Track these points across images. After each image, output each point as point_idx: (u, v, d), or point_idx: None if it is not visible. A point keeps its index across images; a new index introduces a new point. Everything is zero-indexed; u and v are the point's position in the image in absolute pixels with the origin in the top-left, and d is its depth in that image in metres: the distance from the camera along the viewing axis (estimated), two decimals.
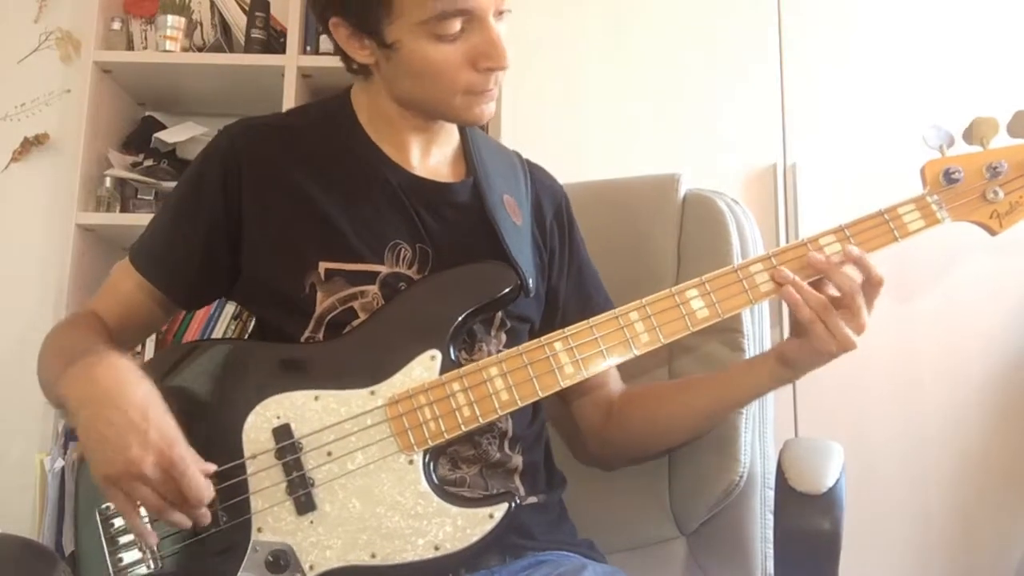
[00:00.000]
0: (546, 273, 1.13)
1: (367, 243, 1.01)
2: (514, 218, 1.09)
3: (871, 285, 0.98)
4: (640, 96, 1.83)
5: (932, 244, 1.72)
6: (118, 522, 0.92)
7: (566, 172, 1.35)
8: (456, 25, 0.93)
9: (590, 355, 0.97)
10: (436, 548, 0.90)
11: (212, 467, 0.88)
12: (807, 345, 0.99)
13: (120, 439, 0.83)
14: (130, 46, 2.28)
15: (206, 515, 0.87)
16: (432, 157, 1.09)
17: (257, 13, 2.19)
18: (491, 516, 0.91)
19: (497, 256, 1.03)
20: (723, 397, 1.10)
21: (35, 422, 1.95)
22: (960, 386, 1.70)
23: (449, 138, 1.11)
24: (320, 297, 1.00)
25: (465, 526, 0.90)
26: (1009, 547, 1.67)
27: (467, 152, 1.11)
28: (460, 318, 0.97)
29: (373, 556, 0.89)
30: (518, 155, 1.20)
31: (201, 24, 2.28)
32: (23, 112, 2.35)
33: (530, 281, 1.04)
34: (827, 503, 1.03)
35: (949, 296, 1.73)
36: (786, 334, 1.03)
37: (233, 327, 2.01)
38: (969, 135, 1.03)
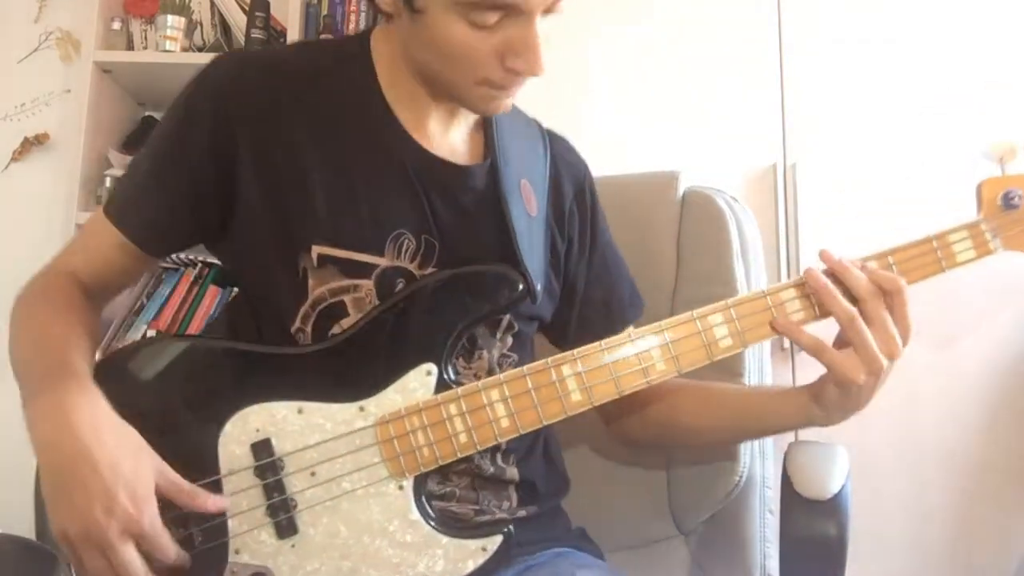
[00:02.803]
0: (561, 266, 1.05)
1: (368, 231, 0.92)
2: (529, 208, 0.99)
3: (888, 293, 0.87)
4: (640, 96, 1.83)
5: None
6: None
7: None
8: (493, 17, 0.83)
9: (600, 383, 0.88)
10: None
11: (212, 503, 0.81)
12: (832, 377, 0.89)
13: (85, 500, 0.76)
14: (130, 46, 2.28)
15: None
16: (452, 132, 0.99)
17: (257, 13, 2.19)
18: (484, 549, 0.86)
19: (507, 255, 0.94)
20: (748, 419, 1.02)
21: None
22: (959, 386, 1.70)
23: (468, 113, 1.00)
24: (312, 284, 0.91)
25: (457, 559, 0.86)
26: (1009, 547, 1.67)
27: (487, 129, 1.01)
28: (459, 328, 0.89)
29: None
30: (539, 125, 1.11)
31: (201, 24, 2.28)
32: (23, 112, 2.35)
33: (538, 286, 0.95)
34: (833, 508, 1.03)
35: (949, 296, 1.73)
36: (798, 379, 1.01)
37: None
38: None
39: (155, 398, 0.88)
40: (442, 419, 0.87)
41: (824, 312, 0.89)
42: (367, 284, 0.92)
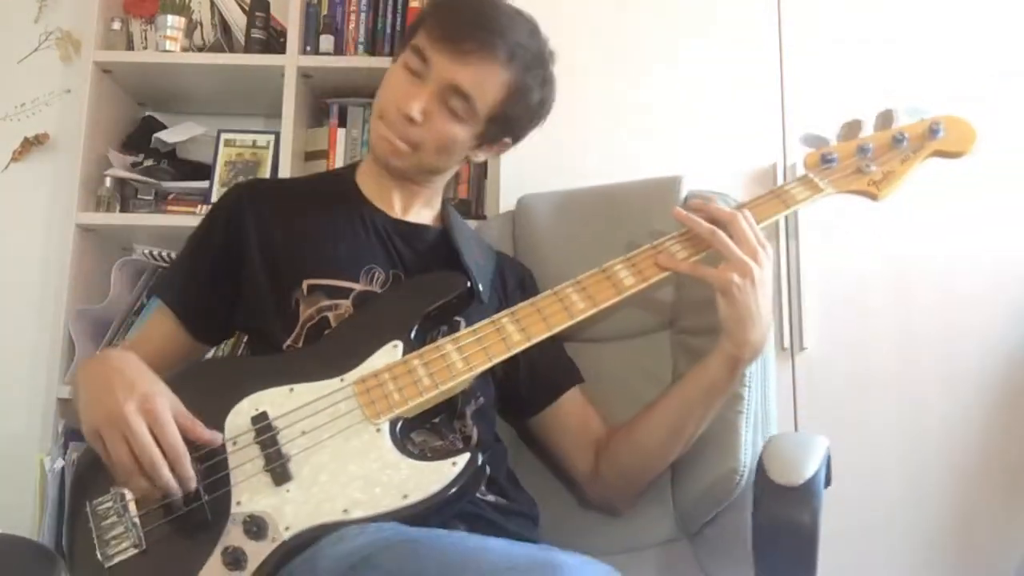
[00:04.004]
0: None
1: (345, 263, 1.17)
2: (478, 257, 1.25)
3: (741, 216, 1.10)
4: (640, 96, 1.83)
5: (933, 244, 1.73)
6: (106, 507, 0.96)
7: (565, 174, 1.35)
8: (415, 62, 1.14)
9: (533, 323, 1.08)
10: (404, 496, 0.95)
11: (209, 434, 0.97)
12: (715, 290, 1.07)
13: (107, 388, 0.94)
14: (130, 46, 2.28)
15: (174, 485, 0.92)
16: (414, 208, 1.27)
17: (257, 13, 2.19)
18: (454, 464, 0.97)
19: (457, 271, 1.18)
20: (683, 396, 1.15)
21: (35, 422, 1.95)
22: (960, 386, 1.70)
23: (429, 203, 1.29)
24: (303, 309, 1.14)
25: (431, 474, 0.97)
26: (1009, 547, 1.67)
27: (444, 216, 1.30)
28: (420, 315, 1.10)
29: (346, 512, 0.94)
30: (491, 247, 1.37)
31: (201, 24, 2.28)
32: (23, 112, 2.35)
33: (480, 286, 1.18)
34: (805, 495, 1.03)
35: (949, 295, 1.73)
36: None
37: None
38: (840, 136, 1.24)
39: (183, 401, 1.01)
40: (407, 371, 1.05)
41: (696, 242, 1.12)
42: (346, 303, 1.16)
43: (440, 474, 0.96)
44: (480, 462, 0.98)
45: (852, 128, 1.24)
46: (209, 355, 1.37)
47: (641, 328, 1.38)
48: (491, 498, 1.12)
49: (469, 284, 1.14)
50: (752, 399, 1.27)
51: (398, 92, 1.15)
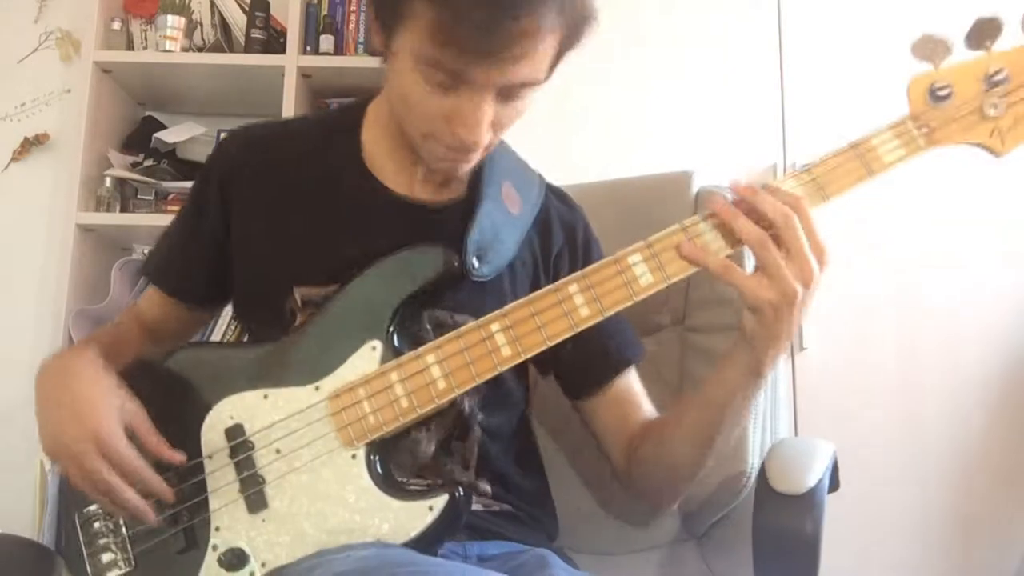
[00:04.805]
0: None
1: (340, 270, 0.99)
2: (510, 205, 1.03)
3: (800, 215, 0.84)
4: (640, 97, 1.83)
5: (933, 244, 1.73)
6: (97, 525, 0.95)
7: (565, 173, 1.34)
8: (445, 79, 0.86)
9: (527, 333, 0.89)
10: (377, 540, 0.89)
11: (176, 455, 0.91)
12: (745, 302, 0.86)
13: (58, 420, 0.91)
14: (130, 46, 2.28)
15: (143, 508, 0.89)
16: (436, 175, 1.04)
17: (257, 13, 2.19)
18: (430, 509, 0.89)
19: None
20: (703, 402, 0.98)
21: (35, 422, 1.95)
22: (960, 386, 1.70)
23: None
24: (299, 320, 1.01)
25: (406, 520, 0.89)
26: (1009, 547, 1.67)
27: (479, 166, 1.03)
28: (395, 305, 0.95)
29: (320, 553, 0.89)
30: (540, 176, 1.14)
31: (201, 24, 2.28)
32: (23, 112, 2.35)
33: (473, 260, 0.97)
34: (806, 504, 1.00)
35: (950, 296, 1.73)
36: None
37: (233, 327, 2.01)
38: (969, 39, 0.88)
39: (155, 402, 0.96)
40: (384, 387, 0.92)
41: (735, 240, 0.86)
42: None
43: (415, 520, 0.89)
44: (461, 502, 0.90)
45: (988, 30, 0.87)
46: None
47: (647, 325, 1.35)
48: (497, 508, 1.05)
49: (456, 262, 0.95)
50: (759, 400, 1.26)
51: (444, 112, 0.89)
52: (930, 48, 0.88)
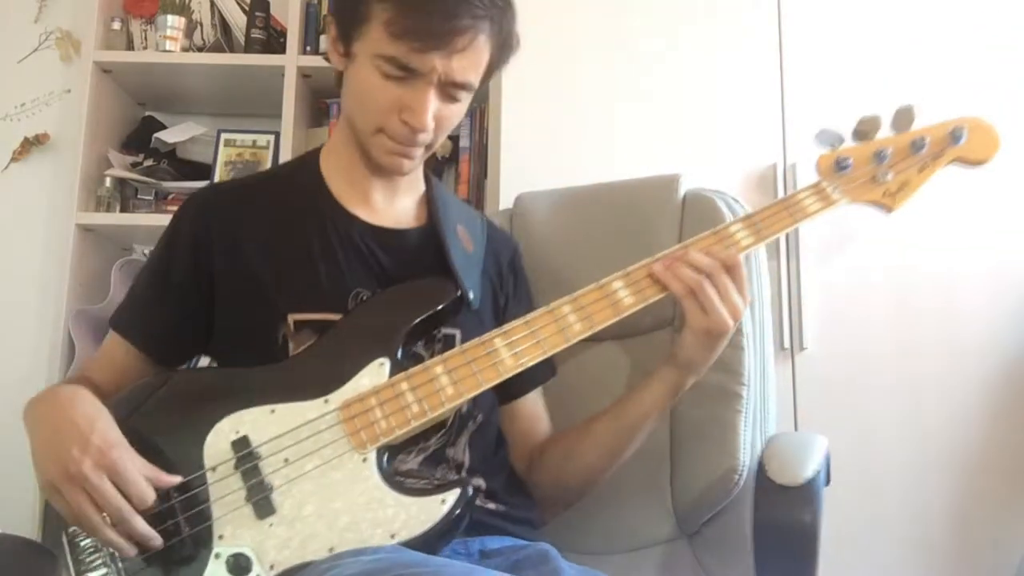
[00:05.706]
0: (502, 317, 1.17)
1: (331, 295, 1.08)
2: (466, 247, 1.17)
3: (729, 269, 1.05)
4: (640, 97, 1.83)
5: (933, 245, 1.73)
6: (84, 543, 0.94)
7: (565, 173, 1.35)
8: (397, 72, 1.02)
9: (527, 346, 1.03)
10: (392, 536, 0.91)
11: (173, 479, 0.93)
12: (686, 331, 1.06)
13: (61, 443, 0.90)
14: (130, 46, 2.28)
15: (151, 535, 0.89)
16: (396, 203, 1.18)
17: (257, 13, 2.19)
18: (443, 502, 0.93)
19: (445, 274, 1.11)
20: (620, 417, 1.14)
21: None
22: (960, 386, 1.70)
23: (411, 188, 1.20)
24: (292, 347, 1.06)
25: (419, 513, 0.92)
26: (1009, 547, 1.67)
27: (430, 199, 1.20)
28: (406, 328, 1.04)
29: (331, 550, 0.90)
30: (480, 213, 1.31)
31: (201, 24, 2.28)
32: (23, 112, 2.35)
33: (471, 293, 1.10)
34: (806, 495, 1.03)
35: (950, 296, 1.73)
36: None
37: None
38: (855, 134, 1.16)
39: (157, 422, 0.99)
40: (395, 395, 0.98)
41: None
42: None
43: (429, 513, 0.92)
44: (470, 495, 0.95)
45: (869, 126, 1.15)
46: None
47: (640, 327, 1.37)
48: (491, 506, 1.11)
49: (460, 292, 1.08)
50: (751, 398, 1.27)
51: (395, 103, 1.04)
52: (829, 138, 1.17)
